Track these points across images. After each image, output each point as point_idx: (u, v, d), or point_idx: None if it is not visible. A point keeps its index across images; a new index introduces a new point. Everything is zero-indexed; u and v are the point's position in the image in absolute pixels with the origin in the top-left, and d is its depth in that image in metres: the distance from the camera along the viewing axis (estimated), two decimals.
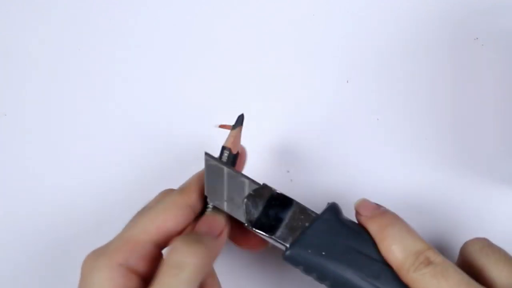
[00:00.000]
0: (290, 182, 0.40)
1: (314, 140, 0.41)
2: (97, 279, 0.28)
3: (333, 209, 0.31)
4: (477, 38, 0.41)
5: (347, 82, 0.41)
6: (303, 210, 0.31)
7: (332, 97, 0.41)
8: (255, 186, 0.31)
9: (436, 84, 0.41)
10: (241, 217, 0.31)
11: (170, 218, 0.30)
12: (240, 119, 0.34)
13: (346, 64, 0.41)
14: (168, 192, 0.32)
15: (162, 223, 0.30)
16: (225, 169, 0.31)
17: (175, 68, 0.42)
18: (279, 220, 0.31)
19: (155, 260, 0.30)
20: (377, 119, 0.41)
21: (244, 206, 0.31)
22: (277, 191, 0.32)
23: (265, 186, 0.32)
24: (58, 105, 0.42)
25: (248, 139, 0.40)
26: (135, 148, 0.41)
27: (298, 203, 0.32)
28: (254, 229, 0.31)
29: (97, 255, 0.29)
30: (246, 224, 0.31)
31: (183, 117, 0.41)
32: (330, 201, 0.32)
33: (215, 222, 0.31)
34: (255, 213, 0.31)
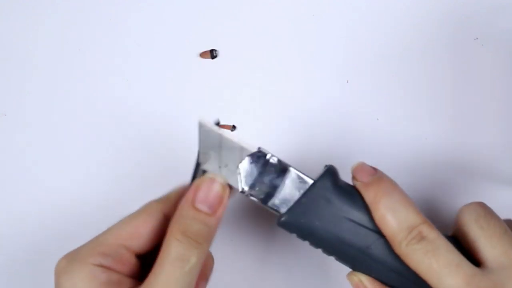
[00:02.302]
0: None
1: (314, 140, 0.41)
2: (78, 280, 0.28)
3: (329, 174, 0.31)
4: (477, 38, 0.41)
5: (347, 82, 0.41)
6: (299, 176, 0.31)
7: (332, 97, 0.41)
8: (250, 151, 0.31)
9: (436, 84, 0.41)
10: (236, 183, 0.31)
11: (142, 224, 0.30)
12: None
13: (346, 64, 0.41)
14: (150, 201, 0.32)
15: (134, 228, 0.30)
16: (220, 135, 0.31)
17: (175, 68, 0.42)
18: (274, 186, 0.31)
19: (131, 265, 0.30)
20: (377, 119, 0.41)
21: (239, 172, 0.31)
22: (274, 156, 0.31)
23: (260, 151, 0.31)
24: (58, 105, 0.42)
25: (248, 139, 0.40)
26: (135, 148, 0.41)
27: (294, 169, 0.31)
28: (248, 196, 0.31)
29: (70, 258, 0.29)
30: (240, 191, 0.31)
31: (183, 117, 0.41)
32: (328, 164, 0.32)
33: (212, 193, 0.30)
34: (250, 180, 0.31)
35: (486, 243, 0.29)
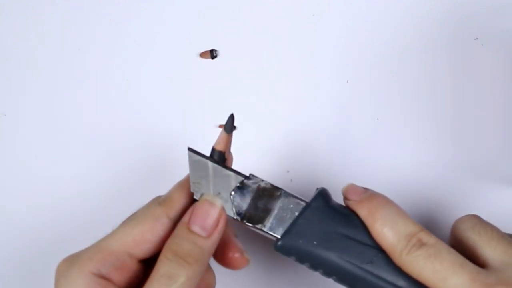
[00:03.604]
0: (290, 182, 0.40)
1: (314, 140, 0.41)
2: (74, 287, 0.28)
3: (322, 196, 0.31)
4: (477, 38, 0.41)
5: (347, 82, 0.41)
6: (292, 199, 0.31)
7: (332, 98, 0.41)
8: (242, 178, 0.31)
9: (436, 84, 0.41)
10: (230, 211, 0.31)
11: (148, 231, 0.29)
12: (231, 120, 0.32)
13: (346, 64, 0.41)
14: (153, 201, 0.31)
15: (139, 235, 0.29)
16: (210, 164, 0.31)
17: (175, 68, 0.42)
18: (268, 211, 0.31)
19: (133, 272, 0.30)
20: (377, 119, 0.41)
21: (231, 199, 0.31)
22: (265, 181, 0.31)
23: (251, 177, 0.31)
24: (58, 105, 0.42)
25: (248, 139, 0.40)
26: (134, 148, 0.41)
27: (286, 192, 0.31)
28: (243, 222, 0.31)
29: (70, 262, 0.29)
30: (235, 218, 0.31)
31: (183, 117, 0.41)
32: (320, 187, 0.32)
33: (208, 217, 0.30)
34: (243, 206, 0.31)
35: (486, 246, 0.30)
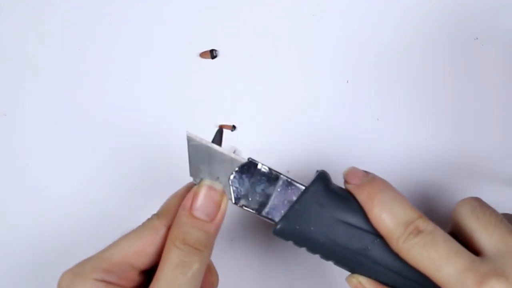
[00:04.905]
0: None
1: (314, 140, 0.41)
2: None
3: (321, 179, 0.31)
4: (477, 38, 0.41)
5: (347, 82, 0.41)
6: (290, 183, 0.31)
7: (332, 97, 0.41)
8: (241, 162, 0.31)
9: (436, 84, 0.41)
10: (228, 195, 0.31)
11: (149, 243, 0.30)
12: (219, 135, 0.32)
13: (346, 64, 0.41)
14: (152, 216, 0.32)
15: (141, 248, 0.29)
16: (209, 148, 0.31)
17: (175, 68, 0.42)
18: (267, 195, 0.31)
19: (135, 282, 0.30)
20: (377, 119, 0.41)
21: (230, 184, 0.31)
22: (264, 165, 0.31)
23: (250, 161, 0.31)
24: (58, 105, 0.42)
25: (248, 139, 0.40)
26: (134, 148, 0.41)
27: (285, 177, 0.31)
28: (242, 206, 0.31)
29: (74, 273, 0.29)
30: (233, 202, 0.31)
31: (183, 117, 0.41)
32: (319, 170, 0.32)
33: (210, 201, 0.30)
34: (242, 191, 0.31)
35: (483, 232, 0.29)
